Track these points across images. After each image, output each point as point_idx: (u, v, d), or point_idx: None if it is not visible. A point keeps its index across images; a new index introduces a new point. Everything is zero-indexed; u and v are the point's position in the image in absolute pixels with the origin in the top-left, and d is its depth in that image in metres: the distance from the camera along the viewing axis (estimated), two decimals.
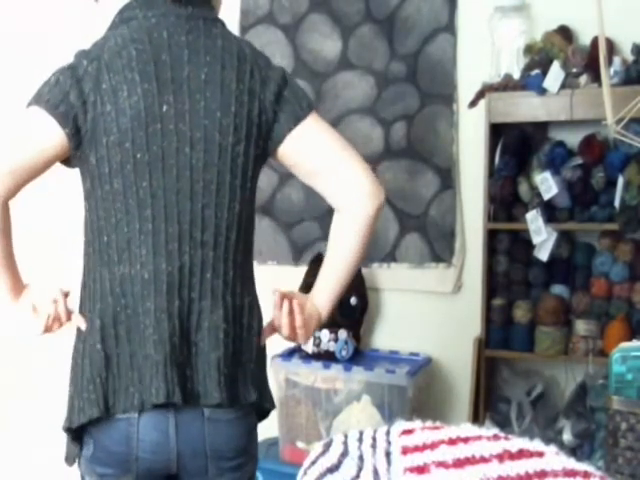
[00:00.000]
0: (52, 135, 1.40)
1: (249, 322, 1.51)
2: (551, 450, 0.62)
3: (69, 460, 1.51)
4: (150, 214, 1.40)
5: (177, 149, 1.40)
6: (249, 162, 1.47)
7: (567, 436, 2.51)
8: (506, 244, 2.75)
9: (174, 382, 1.39)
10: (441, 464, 0.61)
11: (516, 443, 0.62)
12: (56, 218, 3.35)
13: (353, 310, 2.93)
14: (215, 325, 1.44)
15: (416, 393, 2.74)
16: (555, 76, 2.55)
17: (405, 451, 0.63)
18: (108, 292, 1.41)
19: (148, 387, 1.40)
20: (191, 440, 1.44)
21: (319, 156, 1.50)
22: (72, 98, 1.38)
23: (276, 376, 2.77)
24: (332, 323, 2.89)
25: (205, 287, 1.43)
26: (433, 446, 0.63)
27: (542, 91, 2.57)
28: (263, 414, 1.59)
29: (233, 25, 3.03)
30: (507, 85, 2.63)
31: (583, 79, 2.56)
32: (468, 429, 0.64)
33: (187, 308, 1.42)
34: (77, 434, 1.46)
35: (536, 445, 0.62)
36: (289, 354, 2.92)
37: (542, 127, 2.76)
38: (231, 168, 1.44)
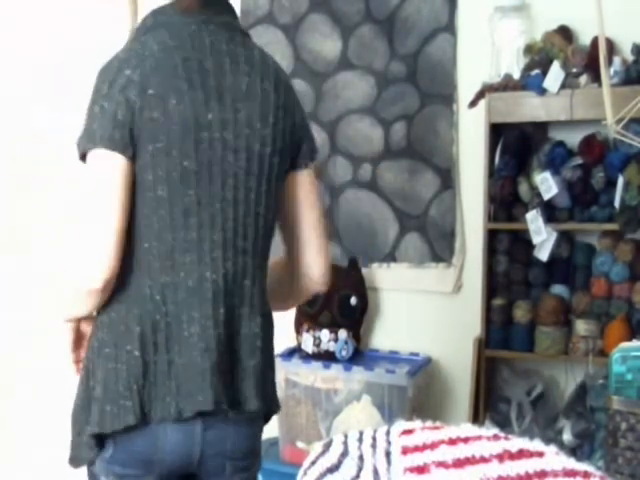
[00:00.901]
0: (122, 168, 1.35)
1: (272, 329, 1.55)
2: (551, 450, 0.62)
3: (76, 462, 1.47)
4: (196, 222, 1.39)
5: (222, 157, 1.40)
6: (281, 174, 1.50)
7: (567, 436, 2.51)
8: (506, 244, 2.75)
9: (220, 390, 1.40)
10: (441, 464, 0.61)
11: (516, 443, 0.62)
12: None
13: (353, 310, 2.93)
14: (253, 332, 1.46)
15: (416, 393, 2.74)
16: (555, 76, 2.55)
17: (405, 451, 0.63)
18: (147, 299, 1.39)
19: (193, 395, 1.39)
20: (215, 441, 1.45)
21: (300, 215, 1.57)
22: (120, 115, 1.34)
23: (276, 376, 2.77)
24: (332, 323, 2.89)
25: (244, 294, 1.46)
26: (433, 446, 0.63)
27: (542, 91, 2.57)
28: (268, 417, 1.60)
29: None
30: (507, 85, 2.63)
31: (583, 79, 2.56)
32: (468, 429, 0.64)
33: (230, 315, 1.43)
34: (98, 437, 1.42)
35: (536, 445, 0.62)
36: (289, 354, 2.92)
37: (542, 127, 2.76)
38: (268, 178, 1.46)
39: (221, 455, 1.46)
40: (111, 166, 1.35)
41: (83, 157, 1.39)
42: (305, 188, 1.56)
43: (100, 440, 1.42)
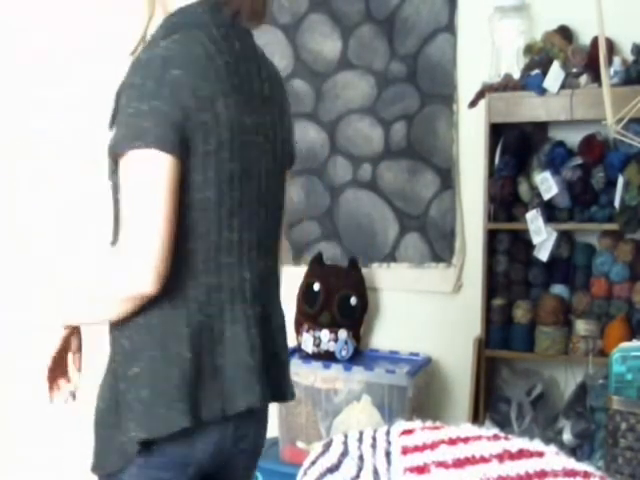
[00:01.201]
0: (175, 169, 1.31)
1: None
2: (551, 450, 0.62)
3: (104, 469, 1.43)
4: (237, 223, 1.40)
5: (257, 160, 1.43)
6: (287, 174, 1.56)
7: (567, 436, 2.51)
8: (506, 244, 2.75)
9: (264, 386, 1.43)
10: (441, 464, 0.61)
11: (516, 443, 0.62)
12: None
13: (353, 310, 2.93)
14: (280, 327, 1.52)
15: (416, 393, 2.74)
16: (555, 76, 2.55)
17: (405, 451, 0.63)
18: (191, 300, 1.37)
19: (241, 394, 1.39)
20: (243, 438, 1.46)
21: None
22: (175, 117, 1.30)
23: None
24: (332, 323, 2.89)
25: (272, 292, 1.51)
26: (433, 446, 0.63)
27: (542, 91, 2.57)
28: None
29: None
30: (507, 85, 2.63)
31: (583, 79, 2.56)
32: (468, 429, 0.64)
33: (266, 314, 1.47)
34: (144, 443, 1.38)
35: (536, 445, 0.62)
36: (289, 354, 2.91)
37: (542, 127, 2.77)
38: (284, 179, 1.53)
39: (244, 452, 1.48)
40: (165, 167, 1.30)
41: (118, 155, 1.32)
42: (286, 189, 1.62)
43: (143, 445, 1.37)
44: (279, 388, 1.50)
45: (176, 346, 1.36)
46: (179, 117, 1.30)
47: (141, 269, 1.29)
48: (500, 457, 0.61)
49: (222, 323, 1.39)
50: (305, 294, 2.95)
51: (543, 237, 2.60)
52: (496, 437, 0.63)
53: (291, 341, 2.96)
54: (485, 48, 2.74)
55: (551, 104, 2.58)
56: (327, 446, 0.67)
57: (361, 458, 0.65)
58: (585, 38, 2.66)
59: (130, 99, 1.31)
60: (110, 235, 1.46)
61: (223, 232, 1.38)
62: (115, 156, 1.33)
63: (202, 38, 1.37)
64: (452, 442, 0.63)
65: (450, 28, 2.90)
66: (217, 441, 1.41)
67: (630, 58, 2.57)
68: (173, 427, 1.34)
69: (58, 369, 1.51)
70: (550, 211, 2.62)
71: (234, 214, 1.39)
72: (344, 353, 2.86)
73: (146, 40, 1.44)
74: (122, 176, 1.32)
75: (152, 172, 1.30)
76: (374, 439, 0.66)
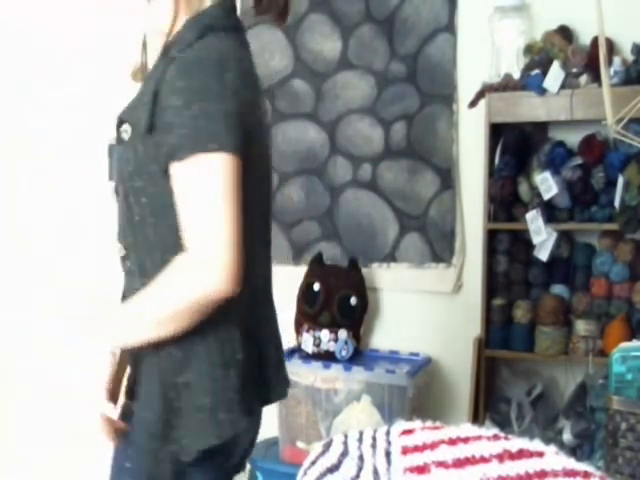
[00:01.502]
0: (240, 172, 1.28)
1: None
2: (551, 450, 0.62)
3: None
4: (263, 224, 1.45)
5: (270, 162, 1.48)
6: None
7: (567, 436, 2.51)
8: (506, 244, 2.75)
9: (285, 377, 1.52)
10: (441, 464, 0.61)
11: (516, 443, 0.62)
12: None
13: (353, 310, 2.93)
14: (276, 322, 1.55)
15: (416, 393, 2.74)
16: (555, 76, 2.55)
17: (405, 451, 0.63)
18: (240, 303, 1.35)
19: (273, 387, 1.46)
20: (257, 431, 1.49)
21: None
22: (241, 121, 1.28)
23: None
24: (332, 323, 2.89)
25: (272, 289, 1.54)
26: (433, 446, 0.63)
27: (542, 91, 2.57)
28: None
29: None
30: (507, 85, 2.64)
31: (583, 79, 2.56)
32: (468, 429, 0.64)
33: (274, 310, 1.54)
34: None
35: (536, 445, 0.62)
36: (289, 354, 2.92)
37: (542, 127, 2.77)
38: None
39: (252, 444, 1.50)
40: (236, 170, 1.26)
41: (180, 157, 1.26)
42: None
43: (204, 453, 1.34)
44: (286, 378, 1.57)
45: (231, 350, 1.35)
46: (241, 120, 1.27)
47: (225, 274, 1.24)
48: (500, 457, 0.61)
49: (257, 322, 1.43)
50: (305, 294, 2.95)
51: (543, 237, 2.60)
52: (496, 437, 0.63)
53: (291, 341, 2.97)
54: (485, 48, 2.75)
55: (551, 104, 2.58)
56: (327, 446, 0.67)
57: (361, 458, 0.65)
58: (585, 38, 2.66)
59: (189, 100, 1.25)
60: (117, 238, 1.41)
61: (256, 234, 1.40)
62: (173, 159, 1.26)
63: (231, 42, 1.37)
64: (452, 442, 0.63)
65: (450, 28, 2.90)
66: (248, 436, 1.43)
67: (630, 58, 2.57)
68: (235, 430, 1.33)
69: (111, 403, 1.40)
70: (550, 211, 2.62)
71: (261, 216, 1.43)
72: (344, 353, 2.86)
73: (170, 41, 1.37)
74: (187, 179, 1.26)
75: (228, 175, 1.25)
76: (374, 439, 0.66)
